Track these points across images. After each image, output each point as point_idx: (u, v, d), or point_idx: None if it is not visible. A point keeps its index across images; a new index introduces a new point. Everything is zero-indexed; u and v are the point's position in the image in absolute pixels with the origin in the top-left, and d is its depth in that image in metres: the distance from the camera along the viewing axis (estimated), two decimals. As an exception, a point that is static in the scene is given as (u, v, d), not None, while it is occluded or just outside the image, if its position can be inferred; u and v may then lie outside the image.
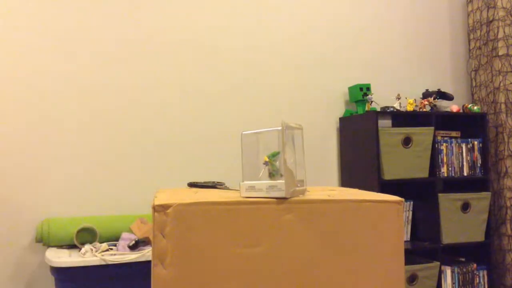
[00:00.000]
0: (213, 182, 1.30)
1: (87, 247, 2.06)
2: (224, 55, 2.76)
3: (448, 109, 3.12)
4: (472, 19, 3.22)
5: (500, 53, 2.98)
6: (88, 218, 2.27)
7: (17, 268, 2.32)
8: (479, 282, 2.87)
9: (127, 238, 2.17)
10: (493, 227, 2.98)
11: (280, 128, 0.93)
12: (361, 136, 2.74)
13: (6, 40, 2.38)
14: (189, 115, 2.67)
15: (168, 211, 0.86)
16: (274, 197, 0.92)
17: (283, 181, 0.92)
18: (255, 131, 1.00)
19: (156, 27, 2.64)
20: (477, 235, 2.82)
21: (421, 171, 2.72)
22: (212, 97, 2.72)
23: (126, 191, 2.52)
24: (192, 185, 1.31)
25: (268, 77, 2.85)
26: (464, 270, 2.82)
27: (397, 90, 3.13)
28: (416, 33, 3.22)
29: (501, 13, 2.99)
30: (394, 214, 0.98)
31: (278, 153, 0.95)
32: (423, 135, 2.72)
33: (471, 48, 3.24)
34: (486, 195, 2.85)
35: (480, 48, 3.15)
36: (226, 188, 1.25)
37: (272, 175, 0.96)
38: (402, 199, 1.00)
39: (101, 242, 2.20)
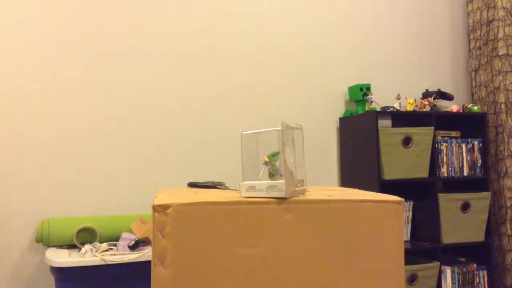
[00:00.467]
0: (213, 182, 1.30)
1: (87, 247, 2.06)
2: (224, 55, 2.76)
3: (448, 109, 3.12)
4: (472, 19, 3.22)
5: (500, 53, 2.98)
6: (88, 218, 2.27)
7: (17, 268, 2.32)
8: (479, 282, 2.87)
9: (127, 238, 2.16)
10: (493, 227, 2.98)
11: (280, 128, 0.93)
12: (361, 136, 2.74)
13: (6, 40, 2.38)
14: (189, 115, 2.67)
15: (168, 211, 0.86)
16: (274, 197, 0.92)
17: (283, 181, 0.92)
18: (255, 131, 1.00)
19: (156, 27, 2.64)
20: (477, 235, 2.82)
21: (421, 171, 2.72)
22: (212, 97, 2.72)
23: (126, 191, 2.52)
24: (192, 185, 1.31)
25: (268, 77, 2.85)
26: (464, 270, 2.82)
27: (397, 90, 3.13)
28: (416, 33, 3.22)
29: (501, 13, 2.99)
30: (394, 214, 0.98)
31: (278, 153, 0.95)
32: (423, 135, 2.72)
33: (471, 48, 3.24)
34: (486, 195, 2.85)
35: (480, 48, 3.15)
36: (226, 188, 1.25)
37: (272, 175, 0.96)
38: (402, 199, 1.00)
39: (101, 242, 2.20)
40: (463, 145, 2.90)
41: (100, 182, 2.48)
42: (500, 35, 2.98)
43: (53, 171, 2.40)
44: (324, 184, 2.92)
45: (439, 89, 3.06)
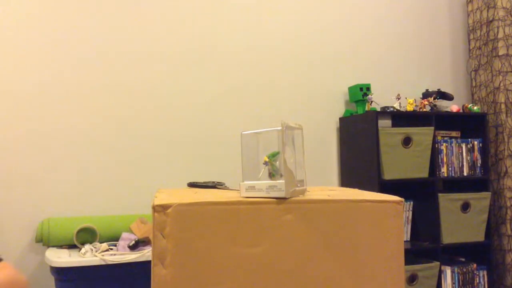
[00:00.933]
0: (213, 182, 1.29)
1: (87, 247, 2.06)
2: (224, 55, 2.76)
3: (448, 109, 3.12)
4: (472, 19, 3.22)
5: (500, 53, 2.98)
6: (88, 218, 2.27)
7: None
8: (479, 282, 2.87)
9: (127, 238, 2.16)
10: (493, 227, 2.98)
11: (280, 128, 0.93)
12: (361, 136, 2.74)
13: (7, 40, 2.38)
14: (189, 115, 2.67)
15: (168, 211, 0.86)
16: (274, 197, 0.92)
17: (283, 181, 0.92)
18: (255, 131, 1.00)
19: (156, 27, 2.64)
20: (477, 235, 2.82)
21: (421, 171, 2.72)
22: (212, 97, 2.72)
23: (126, 191, 2.52)
24: (192, 185, 1.31)
25: (268, 77, 2.85)
26: (464, 270, 2.82)
27: (397, 90, 3.13)
28: (416, 33, 3.22)
29: (501, 13, 2.99)
30: (394, 214, 0.98)
31: (278, 153, 0.95)
32: (423, 135, 2.72)
33: (471, 48, 3.24)
34: (486, 195, 2.85)
35: (480, 48, 3.15)
36: (226, 188, 1.25)
37: (272, 175, 0.96)
38: (402, 199, 1.00)
39: (101, 242, 2.20)
40: (463, 145, 2.90)
41: (100, 182, 2.48)
42: (500, 35, 2.98)
43: (53, 171, 2.40)
44: (324, 184, 2.92)
45: (439, 89, 3.06)
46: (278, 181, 0.92)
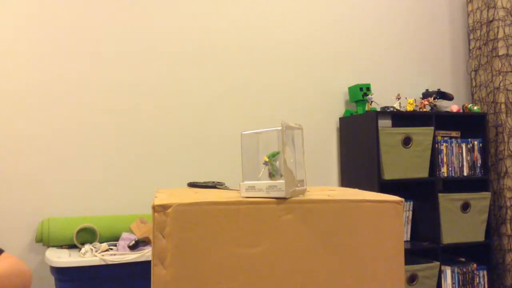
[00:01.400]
0: (213, 182, 1.29)
1: (87, 247, 2.06)
2: (224, 55, 2.76)
3: (448, 109, 3.12)
4: (472, 19, 3.22)
5: (500, 53, 2.98)
6: (88, 218, 2.27)
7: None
8: (479, 282, 2.87)
9: (127, 238, 2.16)
10: (493, 227, 2.98)
11: (280, 128, 0.93)
12: (361, 136, 2.74)
13: (7, 40, 2.38)
14: (189, 115, 2.67)
15: (168, 211, 0.86)
16: (274, 197, 0.92)
17: (283, 181, 0.92)
18: (255, 131, 1.00)
19: (156, 27, 2.64)
20: (477, 235, 2.82)
21: (421, 171, 2.72)
22: (212, 97, 2.72)
23: (126, 191, 2.52)
24: (192, 185, 1.31)
25: (268, 77, 2.85)
26: (464, 270, 2.82)
27: (397, 90, 3.13)
28: (416, 33, 3.22)
29: (501, 13, 2.99)
30: (394, 214, 0.98)
31: (278, 153, 0.95)
32: (423, 135, 2.72)
33: (471, 48, 3.24)
34: (486, 195, 2.85)
35: (480, 48, 3.15)
36: (226, 188, 1.25)
37: (272, 175, 0.96)
38: (402, 199, 1.00)
39: (101, 242, 2.20)
40: (463, 145, 2.90)
41: (100, 182, 2.48)
42: (500, 35, 2.98)
43: (53, 171, 2.40)
44: (324, 184, 2.92)
45: (439, 89, 3.06)
46: (278, 181, 0.92)
